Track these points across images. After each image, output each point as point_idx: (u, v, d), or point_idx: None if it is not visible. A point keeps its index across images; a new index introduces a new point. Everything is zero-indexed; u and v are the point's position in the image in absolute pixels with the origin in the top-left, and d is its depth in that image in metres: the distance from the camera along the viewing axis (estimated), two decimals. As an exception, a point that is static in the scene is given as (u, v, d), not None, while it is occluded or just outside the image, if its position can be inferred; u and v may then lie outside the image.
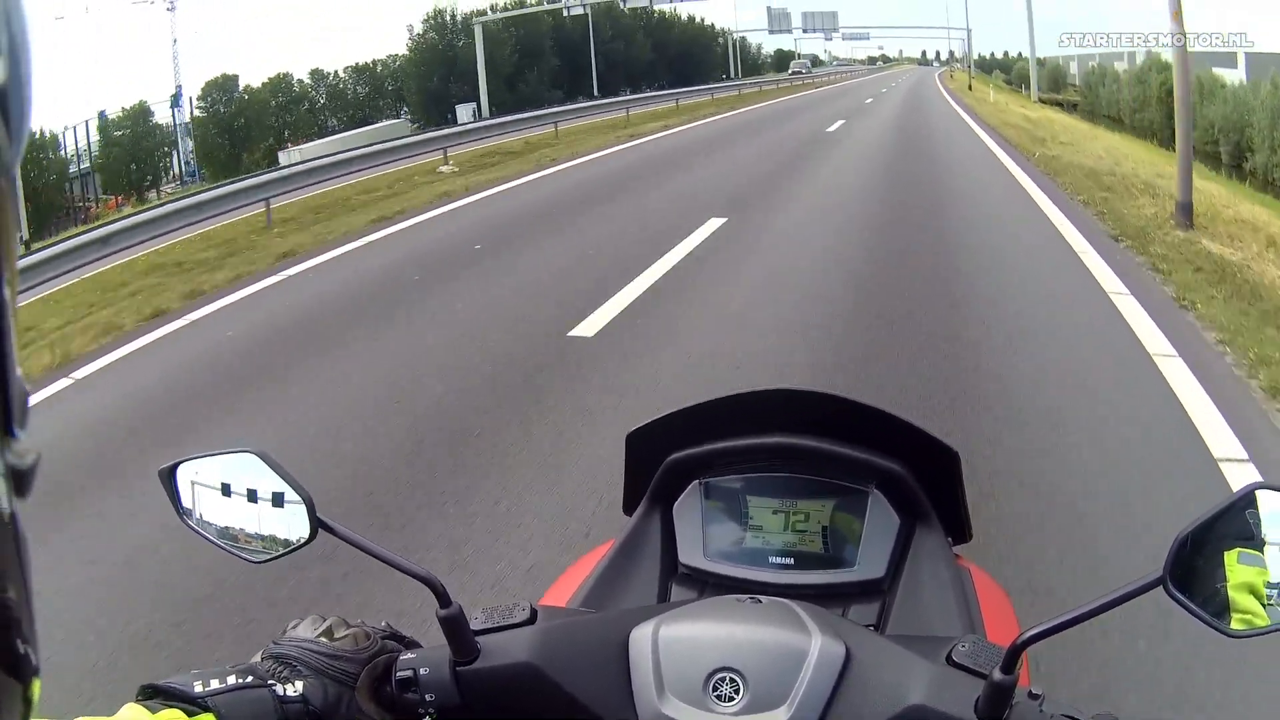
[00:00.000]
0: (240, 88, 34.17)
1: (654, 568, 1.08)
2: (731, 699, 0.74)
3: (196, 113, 32.72)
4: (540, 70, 39.19)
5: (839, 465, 1.06)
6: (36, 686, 0.29)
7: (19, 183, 0.28)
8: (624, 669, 0.78)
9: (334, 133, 32.65)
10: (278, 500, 0.81)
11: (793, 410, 1.11)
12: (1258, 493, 0.69)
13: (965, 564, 1.12)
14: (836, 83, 47.43)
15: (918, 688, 0.72)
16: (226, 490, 0.83)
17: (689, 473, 1.10)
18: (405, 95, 37.26)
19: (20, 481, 0.28)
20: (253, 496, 0.83)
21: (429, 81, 36.51)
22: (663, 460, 1.10)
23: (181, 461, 0.84)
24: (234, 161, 31.59)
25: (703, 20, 56.42)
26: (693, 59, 50.59)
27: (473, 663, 0.78)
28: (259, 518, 0.83)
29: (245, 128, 33.95)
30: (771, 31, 45.75)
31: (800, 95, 34.67)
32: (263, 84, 35.34)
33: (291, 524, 0.81)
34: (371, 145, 14.58)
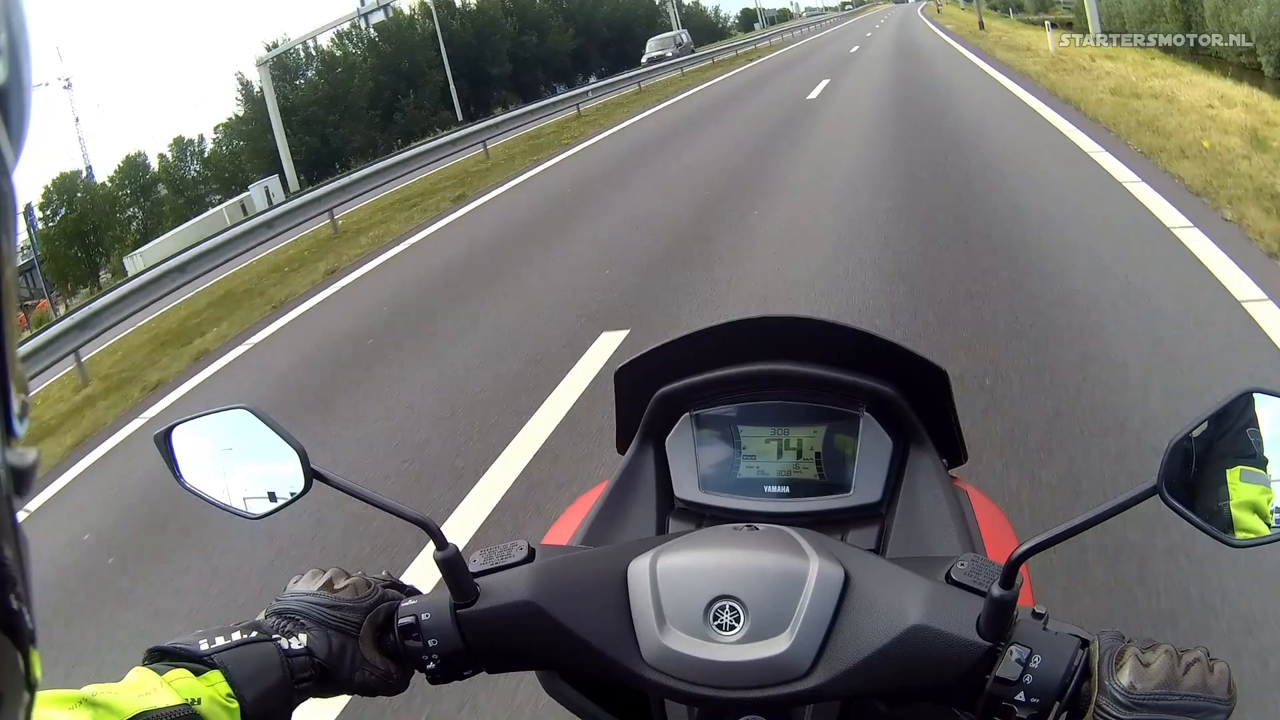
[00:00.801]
0: (96, 179, 29.24)
1: (650, 503, 1.08)
2: (732, 627, 0.75)
3: (39, 225, 28.44)
4: (419, 94, 33.78)
5: (829, 390, 1.06)
6: (37, 664, 0.29)
7: (16, 189, 0.27)
8: (624, 602, 0.78)
9: (206, 208, 27.97)
10: (272, 454, 0.82)
11: (780, 336, 1.10)
12: (1256, 398, 0.67)
13: (962, 485, 1.12)
14: (796, 43, 40.37)
15: (918, 607, 0.72)
16: (221, 449, 0.84)
17: (679, 405, 1.09)
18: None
19: (20, 481, 0.28)
20: (248, 453, 0.83)
21: (265, 140, 30.42)
22: (652, 394, 1.10)
23: (175, 425, 0.84)
24: (91, 273, 27.55)
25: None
26: (632, 37, 45.72)
27: (472, 605, 0.79)
28: (254, 473, 0.84)
29: (94, 231, 29.18)
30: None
31: (758, 66, 26.94)
32: (111, 174, 30.13)
33: (286, 476, 0.82)
34: (226, 231, 11.04)
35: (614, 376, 1.15)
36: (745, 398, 1.08)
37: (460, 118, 28.45)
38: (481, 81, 35.23)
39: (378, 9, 28.01)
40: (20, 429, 0.28)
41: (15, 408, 0.28)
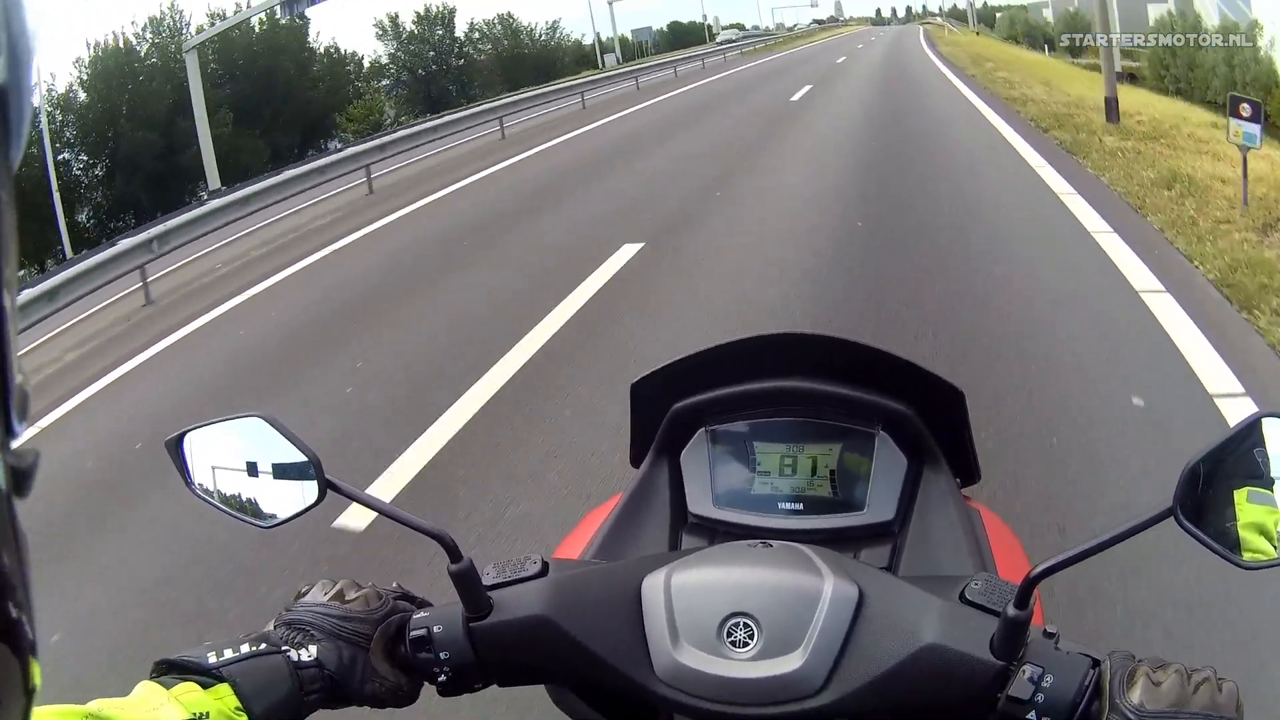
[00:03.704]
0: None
1: (664, 518, 1.08)
2: (746, 644, 0.75)
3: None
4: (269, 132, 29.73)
5: (845, 408, 1.06)
6: (37, 672, 0.29)
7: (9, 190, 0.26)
8: (637, 618, 0.78)
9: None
10: (286, 464, 0.81)
11: (796, 353, 1.10)
12: (1264, 421, 0.67)
13: (975, 505, 1.12)
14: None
15: (931, 626, 0.72)
16: (234, 457, 0.84)
17: (695, 421, 1.09)
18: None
19: (20, 481, 0.28)
20: (261, 461, 0.83)
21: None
22: (668, 409, 1.10)
23: (187, 431, 0.84)
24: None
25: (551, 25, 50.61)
26: (543, 71, 43.91)
27: (485, 618, 0.78)
28: (268, 482, 0.83)
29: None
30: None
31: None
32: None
33: (300, 486, 0.81)
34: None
35: (630, 389, 1.15)
36: (761, 414, 1.08)
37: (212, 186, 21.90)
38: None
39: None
40: (20, 428, 0.28)
41: (15, 407, 0.27)
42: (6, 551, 0.27)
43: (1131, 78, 19.78)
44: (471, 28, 47.34)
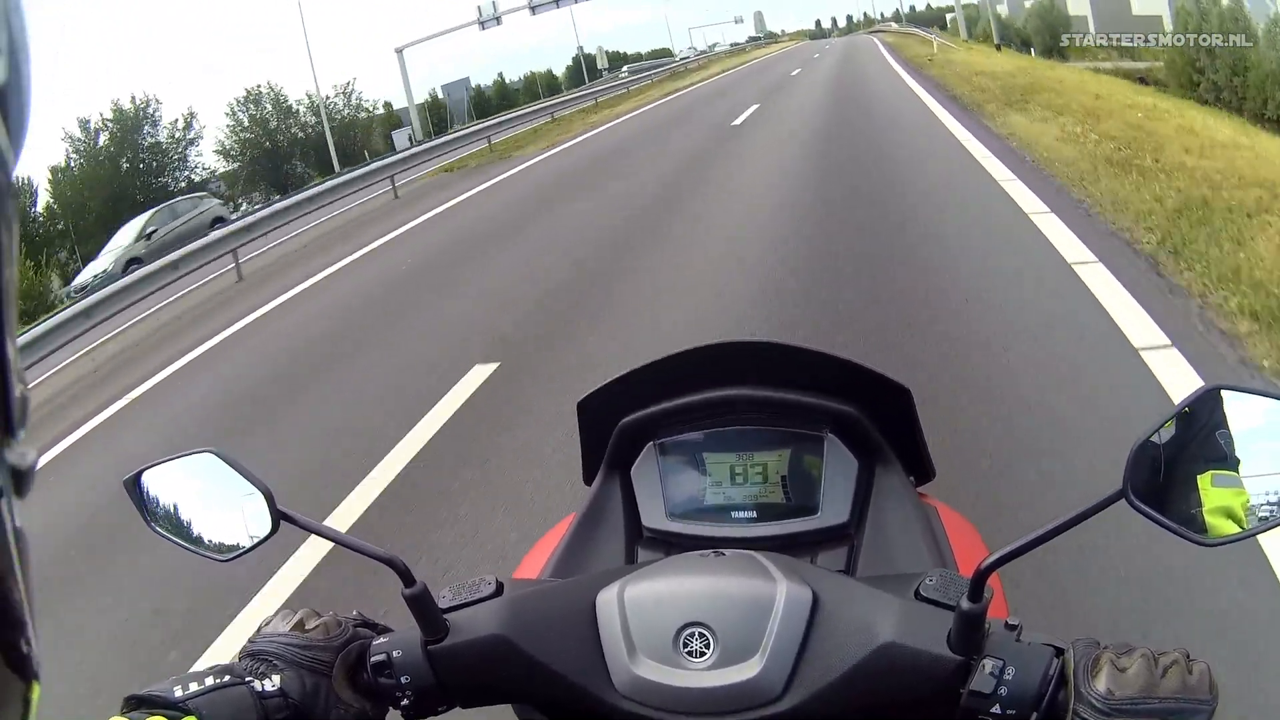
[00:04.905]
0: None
1: (618, 533, 1.08)
2: (703, 653, 0.75)
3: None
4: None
5: (791, 412, 1.06)
6: (36, 691, 0.29)
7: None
8: (594, 633, 0.78)
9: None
10: (239, 496, 0.82)
11: (740, 361, 1.11)
12: (1224, 395, 0.65)
13: (931, 501, 1.13)
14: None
15: (888, 625, 0.72)
16: (188, 492, 0.85)
17: (643, 435, 1.10)
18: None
19: (20, 481, 0.28)
20: (215, 495, 0.83)
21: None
22: (615, 425, 1.10)
23: (143, 470, 0.84)
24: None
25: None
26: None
27: (443, 640, 0.79)
28: (221, 516, 0.84)
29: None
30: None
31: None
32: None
33: (253, 519, 0.82)
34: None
35: (576, 407, 1.15)
36: (709, 424, 1.08)
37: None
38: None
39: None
40: (20, 429, 0.28)
41: (15, 407, 0.28)
42: (11, 581, 0.27)
43: (1142, 80, 16.65)
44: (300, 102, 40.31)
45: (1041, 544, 0.67)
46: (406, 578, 0.78)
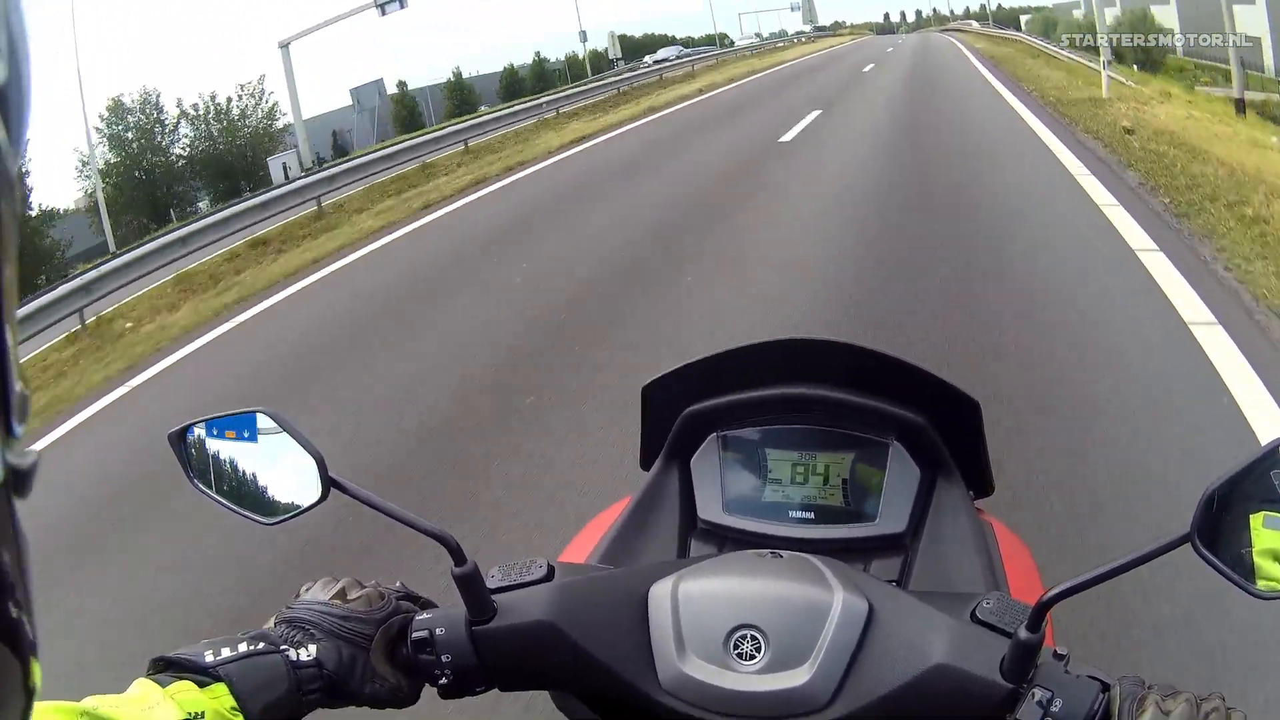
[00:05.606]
0: None
1: (672, 523, 1.06)
2: (753, 657, 0.73)
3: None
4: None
5: (859, 416, 1.04)
6: (37, 671, 0.28)
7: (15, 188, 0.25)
8: (643, 626, 0.77)
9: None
10: (289, 459, 0.80)
11: (811, 360, 1.09)
12: None
13: (987, 518, 1.10)
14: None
15: (942, 646, 0.71)
16: (236, 451, 0.82)
17: (707, 425, 1.08)
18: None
19: (20, 481, 0.27)
20: (264, 456, 0.81)
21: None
22: (680, 413, 1.08)
23: (191, 424, 0.82)
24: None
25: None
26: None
27: (489, 622, 0.77)
28: (270, 478, 0.81)
29: None
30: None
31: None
32: None
33: (303, 483, 0.79)
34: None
35: (641, 392, 1.13)
36: (773, 420, 1.07)
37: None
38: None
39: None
40: (20, 428, 0.27)
41: (15, 407, 0.27)
42: (7, 551, 0.27)
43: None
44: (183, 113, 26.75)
45: (1105, 580, 0.66)
46: (458, 555, 0.76)
